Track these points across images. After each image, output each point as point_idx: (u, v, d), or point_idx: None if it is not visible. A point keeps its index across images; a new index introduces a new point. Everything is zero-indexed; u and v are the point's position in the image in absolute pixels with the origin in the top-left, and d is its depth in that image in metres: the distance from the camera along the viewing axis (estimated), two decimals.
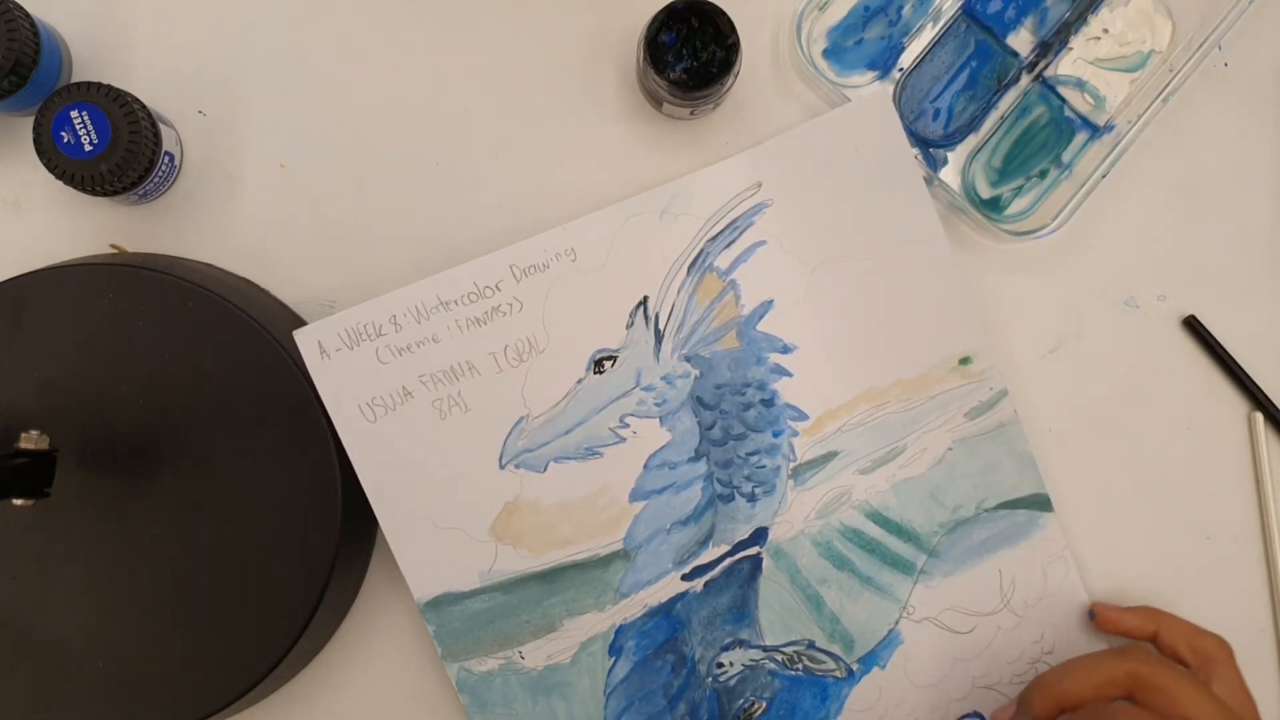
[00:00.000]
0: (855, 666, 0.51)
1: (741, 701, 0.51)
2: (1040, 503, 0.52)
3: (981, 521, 0.52)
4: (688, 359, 0.51)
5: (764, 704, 0.51)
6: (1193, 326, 0.54)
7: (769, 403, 0.51)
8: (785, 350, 0.51)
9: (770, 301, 0.51)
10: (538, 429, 0.50)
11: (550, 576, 0.50)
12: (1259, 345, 0.54)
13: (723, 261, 0.51)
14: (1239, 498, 0.54)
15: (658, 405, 0.50)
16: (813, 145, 0.50)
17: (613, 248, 0.50)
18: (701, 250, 0.50)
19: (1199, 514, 0.54)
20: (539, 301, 0.50)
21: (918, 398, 0.51)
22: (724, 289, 0.51)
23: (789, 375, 0.51)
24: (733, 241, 0.51)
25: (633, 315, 0.50)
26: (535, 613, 0.50)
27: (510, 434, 0.50)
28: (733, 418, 0.51)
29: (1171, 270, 0.54)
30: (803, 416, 0.51)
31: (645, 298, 0.50)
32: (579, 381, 0.50)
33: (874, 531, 0.51)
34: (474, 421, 0.49)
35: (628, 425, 0.50)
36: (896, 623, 0.51)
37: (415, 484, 0.49)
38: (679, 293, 0.50)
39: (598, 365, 0.50)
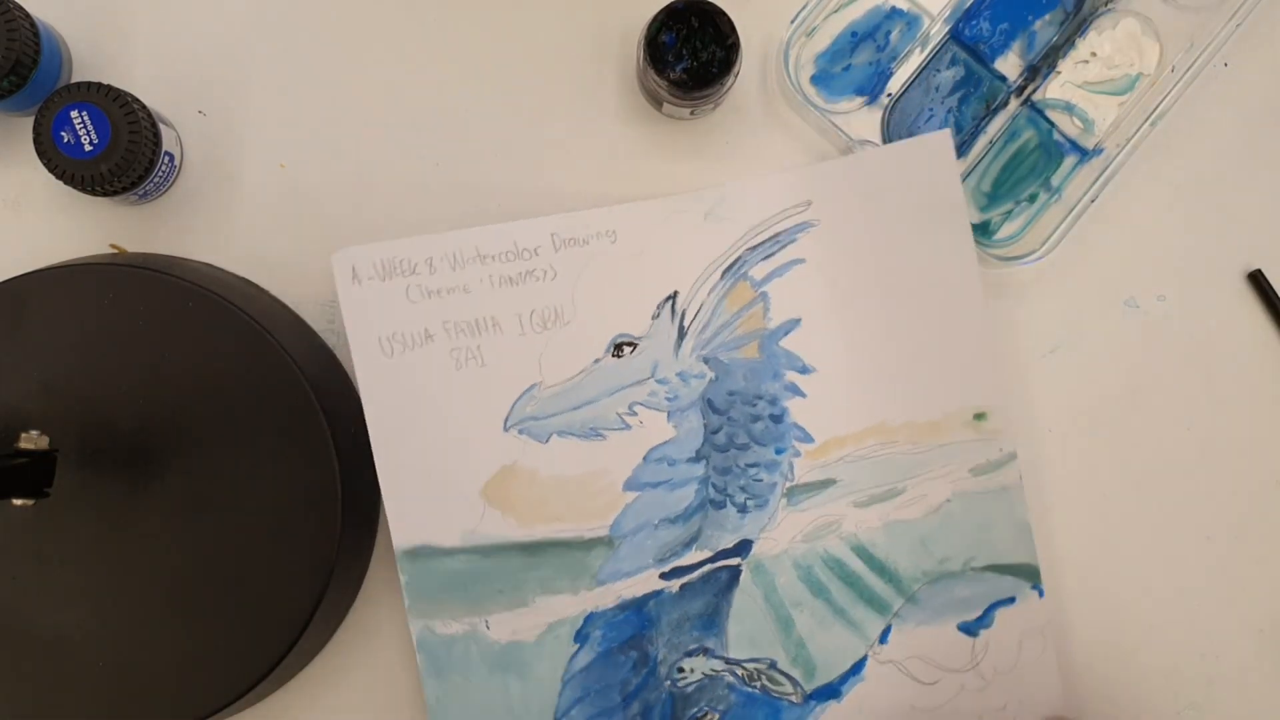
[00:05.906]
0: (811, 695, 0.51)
1: (695, 710, 0.50)
2: (1029, 574, 0.51)
3: (967, 580, 0.51)
4: (705, 360, 0.50)
5: (717, 715, 0.50)
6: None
7: (778, 419, 0.51)
8: (803, 370, 0.51)
9: (797, 320, 0.51)
10: (548, 399, 0.49)
11: (532, 549, 0.49)
12: None
13: (758, 272, 0.51)
14: (1239, 497, 0.54)
15: (668, 400, 0.50)
16: (867, 174, 0.51)
17: (653, 238, 0.50)
18: (739, 257, 0.50)
19: (1199, 514, 0.54)
20: (573, 275, 0.50)
21: (926, 443, 0.51)
22: (754, 299, 0.51)
23: (802, 395, 0.51)
24: (772, 254, 0.51)
25: (660, 307, 0.50)
26: (510, 583, 0.49)
27: (520, 398, 0.49)
28: (739, 426, 0.51)
29: (1172, 270, 0.54)
30: (808, 439, 0.51)
31: (675, 292, 0.50)
32: (596, 361, 0.50)
33: (856, 565, 0.51)
34: (487, 378, 0.49)
35: (635, 413, 0.50)
36: (861, 659, 0.51)
37: (418, 429, 0.49)
38: (709, 294, 0.50)
39: (617, 349, 0.50)
